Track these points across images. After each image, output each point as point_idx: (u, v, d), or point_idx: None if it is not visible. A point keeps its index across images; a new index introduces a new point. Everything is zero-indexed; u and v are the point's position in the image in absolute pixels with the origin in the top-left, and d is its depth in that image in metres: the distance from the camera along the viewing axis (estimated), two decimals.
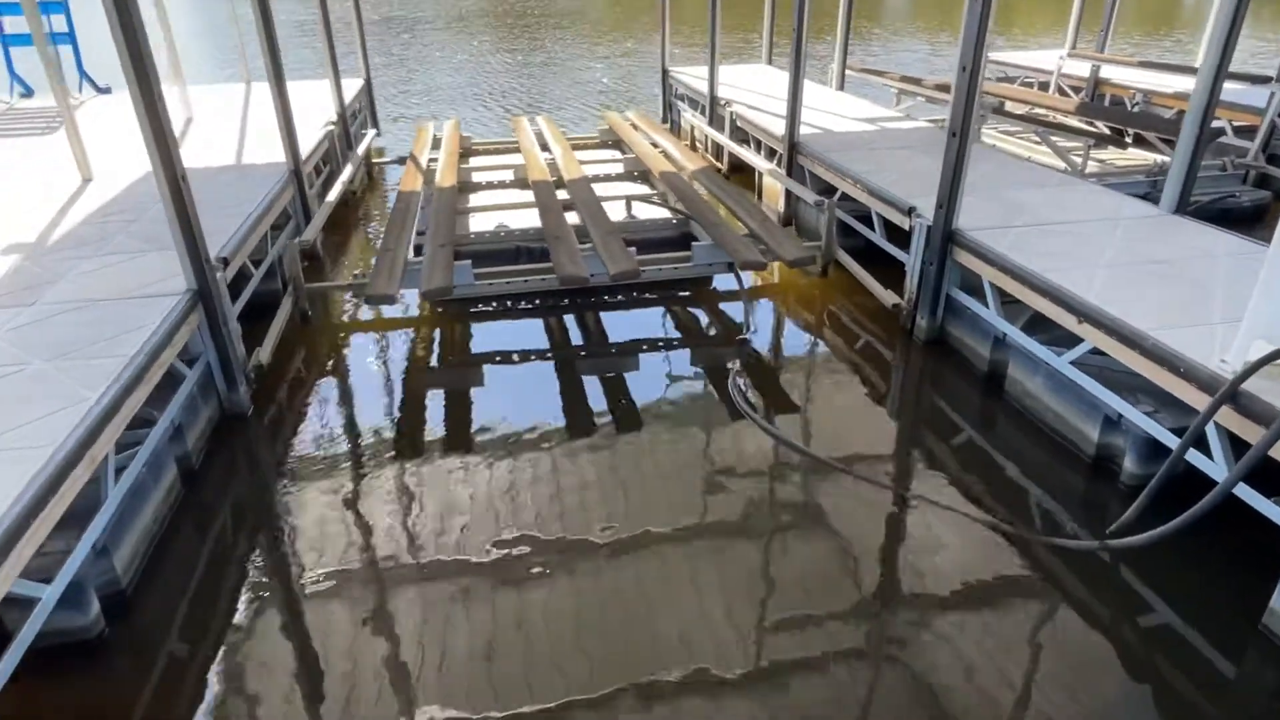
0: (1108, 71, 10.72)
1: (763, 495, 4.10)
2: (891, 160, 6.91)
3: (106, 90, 10.57)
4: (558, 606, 3.38)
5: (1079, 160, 8.01)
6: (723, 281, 6.61)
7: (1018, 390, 4.69)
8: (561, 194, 7.03)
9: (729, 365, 5.25)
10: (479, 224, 6.93)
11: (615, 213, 7.02)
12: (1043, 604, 3.37)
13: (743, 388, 5.00)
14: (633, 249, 5.76)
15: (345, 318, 6.19)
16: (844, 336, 5.86)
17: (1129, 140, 8.34)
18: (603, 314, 6.28)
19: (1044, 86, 11.62)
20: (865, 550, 3.67)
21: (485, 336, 5.93)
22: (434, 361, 5.59)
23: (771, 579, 3.51)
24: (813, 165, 7.25)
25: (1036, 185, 6.12)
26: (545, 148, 9.16)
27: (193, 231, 4.27)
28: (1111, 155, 8.89)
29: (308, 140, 7.77)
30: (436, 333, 5.95)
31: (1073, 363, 4.21)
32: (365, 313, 6.22)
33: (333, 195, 6.97)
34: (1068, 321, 4.18)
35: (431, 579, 3.55)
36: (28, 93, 10.41)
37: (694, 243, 5.87)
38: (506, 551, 3.70)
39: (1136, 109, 10.05)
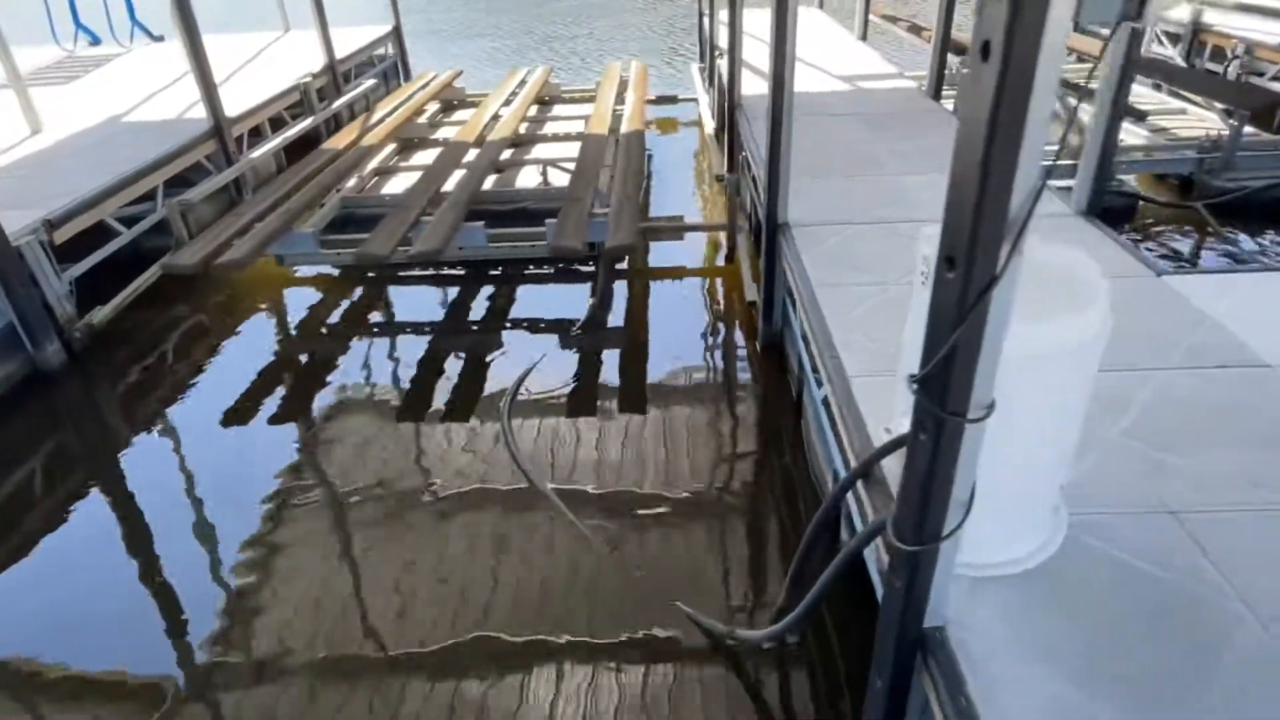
0: (1211, 16, 8.75)
1: (476, 505, 3.79)
2: (821, 129, 6.02)
3: (160, 39, 11.27)
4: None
5: None
6: (660, 257, 6.28)
7: (806, 421, 3.99)
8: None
9: (531, 362, 4.85)
10: (399, 185, 6.81)
11: (533, 179, 6.68)
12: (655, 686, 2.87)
13: (525, 388, 4.63)
14: (480, 222, 5.45)
15: (248, 276, 6.24)
16: (698, 333, 5.26)
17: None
18: (520, 287, 6.05)
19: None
20: (523, 590, 3.29)
21: (385, 304, 5.90)
22: (315, 328, 5.59)
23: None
24: (742, 130, 6.47)
25: (947, 170, 5.07)
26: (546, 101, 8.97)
27: None
28: (1175, 123, 7.31)
29: (262, 93, 7.92)
30: (339, 297, 5.93)
31: (826, 401, 3.49)
32: (305, 270, 6.25)
33: (257, 153, 7.05)
34: (813, 349, 3.46)
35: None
36: (95, 41, 11.30)
37: (548, 220, 5.41)
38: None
39: (1234, 64, 8.16)
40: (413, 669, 2.98)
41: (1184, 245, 6.16)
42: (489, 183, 6.61)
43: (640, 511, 3.69)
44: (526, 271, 6.23)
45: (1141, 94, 7.95)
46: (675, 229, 5.98)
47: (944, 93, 6.69)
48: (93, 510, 3.96)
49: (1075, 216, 4.31)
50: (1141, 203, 6.34)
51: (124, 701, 2.95)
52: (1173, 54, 8.83)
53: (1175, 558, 2.17)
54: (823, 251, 4.09)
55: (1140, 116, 6.46)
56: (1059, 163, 6.15)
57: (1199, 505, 2.33)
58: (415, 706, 2.84)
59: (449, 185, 6.03)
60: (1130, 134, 7.06)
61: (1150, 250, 6.01)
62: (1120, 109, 4.00)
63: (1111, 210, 6.23)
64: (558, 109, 8.86)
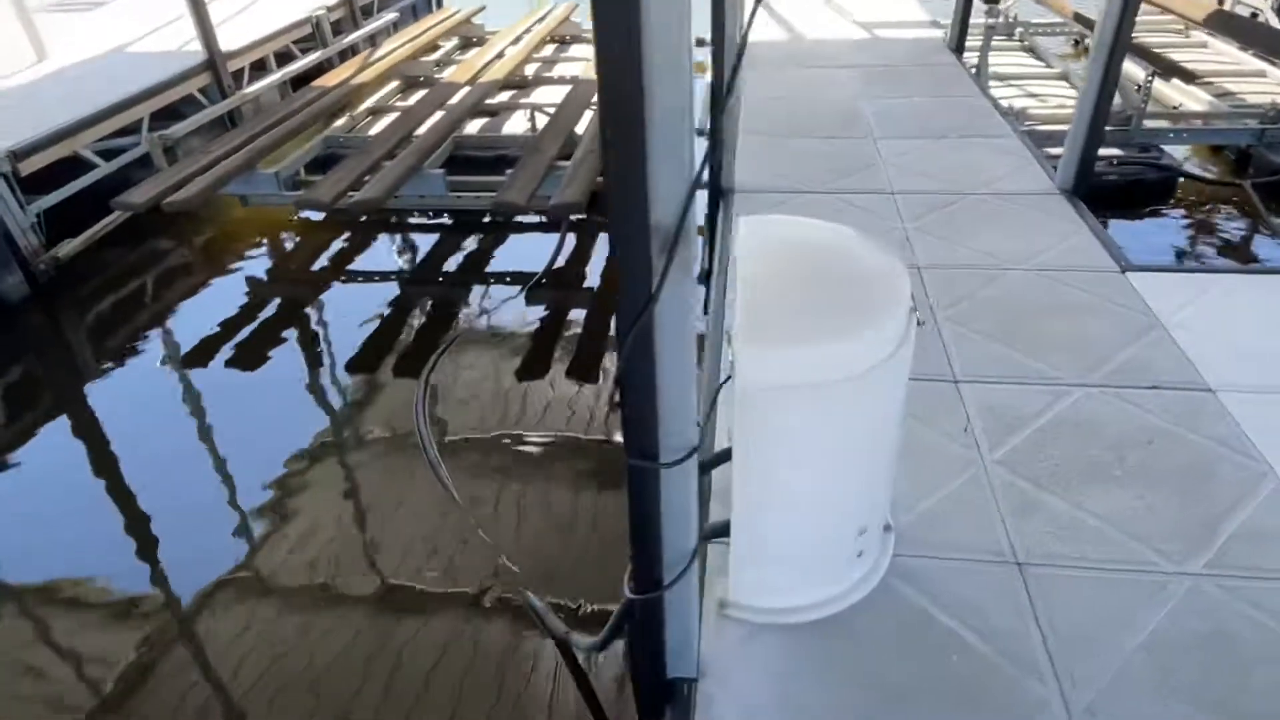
0: None
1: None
2: (815, 82, 5.52)
3: None
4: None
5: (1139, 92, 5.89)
6: None
7: None
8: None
9: (453, 330, 4.67)
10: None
11: (523, 125, 6.39)
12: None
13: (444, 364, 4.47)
14: (441, 170, 5.23)
15: (241, 215, 6.17)
16: None
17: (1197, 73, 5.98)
18: (512, 236, 5.85)
19: None
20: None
21: (375, 250, 5.78)
22: (291, 271, 5.53)
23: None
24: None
25: (935, 136, 4.55)
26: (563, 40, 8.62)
27: None
28: (1244, 88, 6.48)
29: (267, 26, 7.80)
30: (329, 239, 5.79)
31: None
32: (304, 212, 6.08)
33: (252, 88, 6.95)
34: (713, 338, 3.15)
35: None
36: None
37: (508, 171, 5.14)
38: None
39: None
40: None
41: (1230, 230, 5.46)
42: (476, 127, 6.37)
43: (540, 489, 3.52)
44: (518, 220, 5.98)
45: (1222, 51, 7.07)
46: None
47: (968, 45, 6.04)
48: (43, 436, 4.07)
49: (1057, 195, 3.79)
50: (1182, 179, 5.62)
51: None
52: (1262, 6, 7.80)
53: (1001, 620, 1.85)
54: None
55: (1190, 77, 5.68)
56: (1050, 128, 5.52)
57: (1053, 558, 1.98)
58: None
59: (425, 129, 5.80)
60: (1190, 98, 6.28)
61: (1184, 235, 5.36)
62: (1116, 66, 3.44)
63: (1146, 185, 5.58)
64: (575, 49, 8.47)
